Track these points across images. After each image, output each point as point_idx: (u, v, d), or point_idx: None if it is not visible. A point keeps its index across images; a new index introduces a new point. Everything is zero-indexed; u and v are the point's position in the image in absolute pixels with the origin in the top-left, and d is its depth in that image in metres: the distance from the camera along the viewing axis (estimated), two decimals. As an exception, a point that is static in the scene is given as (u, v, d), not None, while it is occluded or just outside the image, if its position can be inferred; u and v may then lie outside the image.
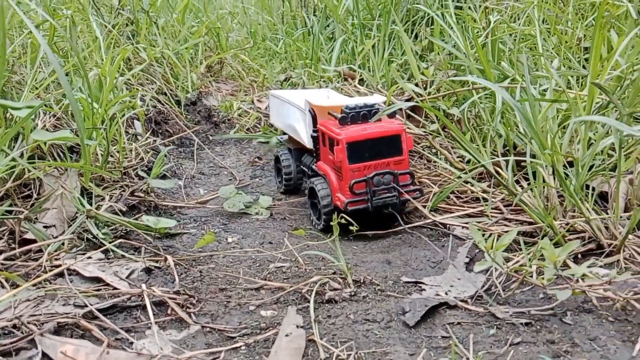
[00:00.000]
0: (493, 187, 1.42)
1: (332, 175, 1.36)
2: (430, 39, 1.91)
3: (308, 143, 1.47)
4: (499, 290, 1.08)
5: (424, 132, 1.70)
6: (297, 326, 0.95)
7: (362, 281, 1.13)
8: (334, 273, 1.16)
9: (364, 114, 1.33)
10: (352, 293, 1.08)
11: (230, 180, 1.81)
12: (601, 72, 1.21)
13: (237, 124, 2.25)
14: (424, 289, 1.12)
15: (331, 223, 1.18)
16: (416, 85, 1.79)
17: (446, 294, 1.09)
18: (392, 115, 1.36)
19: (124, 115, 1.70)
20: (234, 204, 1.49)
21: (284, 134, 1.68)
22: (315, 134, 1.42)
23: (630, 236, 1.18)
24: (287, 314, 1.00)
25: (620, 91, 1.37)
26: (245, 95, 2.61)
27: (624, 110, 1.09)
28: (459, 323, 0.98)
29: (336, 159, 1.31)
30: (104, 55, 1.88)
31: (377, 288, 1.12)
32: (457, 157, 1.59)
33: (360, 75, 2.19)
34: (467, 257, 1.21)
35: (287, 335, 0.92)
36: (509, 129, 1.47)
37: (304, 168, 1.56)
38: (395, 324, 1.00)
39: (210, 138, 2.17)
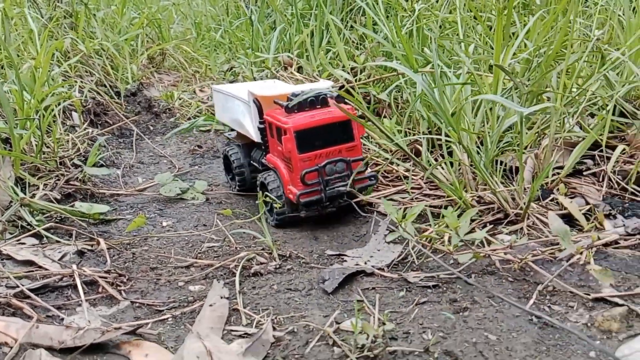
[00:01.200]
0: (414, 167, 1.51)
1: (282, 167, 1.30)
2: (359, 28, 1.98)
3: (255, 136, 1.40)
4: (413, 258, 1.16)
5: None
6: (222, 297, 1.02)
7: (288, 255, 1.20)
8: (263, 249, 1.23)
9: (311, 100, 1.28)
10: (277, 266, 1.15)
11: (169, 168, 1.85)
12: (505, 55, 1.30)
13: (178, 113, 2.28)
14: (346, 260, 1.19)
15: (283, 217, 1.22)
16: (351, 71, 1.87)
17: (365, 263, 1.17)
18: (340, 100, 1.30)
19: (59, 105, 1.72)
20: (170, 189, 1.54)
21: (232, 130, 1.63)
22: (262, 126, 1.36)
23: (534, 205, 1.29)
24: (212, 287, 1.06)
25: (529, 73, 1.48)
26: (188, 85, 2.64)
27: (524, 89, 1.18)
28: (373, 288, 1.06)
29: (285, 150, 1.25)
30: (39, 48, 1.89)
31: (302, 261, 1.19)
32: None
33: (298, 63, 2.25)
34: (387, 230, 1.30)
35: (211, 305, 0.99)
36: (430, 111, 1.56)
37: (254, 163, 1.50)
38: (315, 292, 1.07)
39: (151, 128, 2.20)
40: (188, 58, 2.96)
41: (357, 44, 2.27)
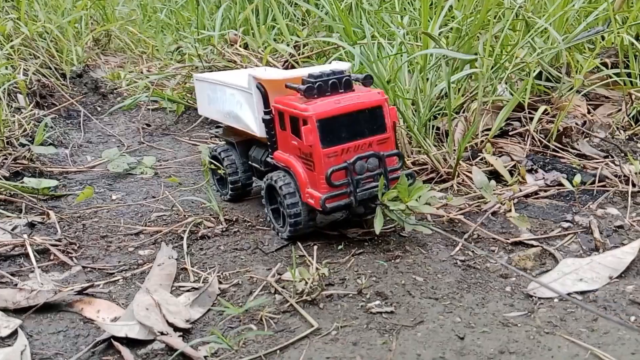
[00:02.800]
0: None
1: (299, 166, 1.08)
2: (301, 4, 2.04)
3: (259, 130, 1.17)
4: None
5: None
6: (170, 257, 1.07)
7: (235, 220, 1.27)
8: (210, 215, 1.29)
9: (334, 83, 1.06)
10: (224, 229, 1.21)
11: (118, 147, 1.87)
12: (433, 24, 1.38)
13: (125, 93, 2.30)
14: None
15: (299, 228, 1.07)
16: (294, 45, 1.93)
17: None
18: (367, 83, 1.10)
19: (3, 86, 1.72)
20: (118, 165, 1.57)
21: (219, 126, 1.41)
22: (268, 117, 1.13)
23: (464, 164, 1.39)
24: (160, 249, 1.11)
25: (460, 41, 1.57)
26: (134, 66, 2.64)
27: (450, 54, 1.27)
28: (314, 244, 1.14)
29: (305, 143, 1.02)
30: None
31: (248, 224, 1.25)
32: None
33: (244, 40, 2.29)
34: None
35: (159, 265, 1.04)
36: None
37: (253, 164, 1.27)
38: (260, 250, 1.14)
39: (99, 109, 2.21)
40: (134, 39, 2.96)
41: (301, 19, 2.33)
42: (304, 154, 1.06)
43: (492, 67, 1.51)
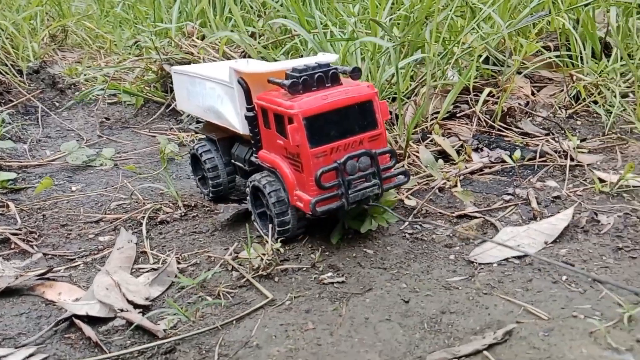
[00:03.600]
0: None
1: (285, 166, 1.02)
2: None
3: (241, 127, 1.11)
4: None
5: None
6: (129, 241, 1.10)
7: (194, 205, 1.30)
8: (169, 201, 1.32)
9: (320, 77, 0.99)
10: (183, 214, 1.25)
11: (77, 141, 1.88)
12: (380, 12, 1.44)
13: (83, 88, 2.30)
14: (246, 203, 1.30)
15: (288, 235, 1.03)
16: (251, 36, 1.96)
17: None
18: (355, 76, 1.03)
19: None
20: (77, 157, 1.59)
21: (199, 122, 1.36)
22: (251, 114, 1.07)
23: (415, 146, 1.45)
24: (120, 234, 1.14)
25: (408, 27, 1.63)
26: (92, 61, 2.64)
27: (396, 40, 1.32)
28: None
29: (291, 143, 0.96)
30: None
31: (206, 209, 1.29)
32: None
33: (200, 32, 2.31)
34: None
35: (119, 249, 1.08)
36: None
37: (237, 163, 1.21)
38: (218, 233, 1.18)
39: (57, 104, 2.20)
40: (92, 35, 2.94)
41: (257, 11, 2.36)
42: (291, 154, 1.00)
43: (440, 53, 1.58)
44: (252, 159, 1.13)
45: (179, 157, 1.34)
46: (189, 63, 1.99)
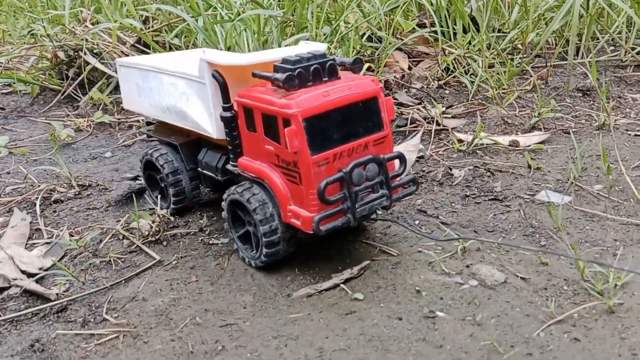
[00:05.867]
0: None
1: (276, 177, 0.86)
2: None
3: (215, 131, 0.94)
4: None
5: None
6: (23, 219, 1.15)
7: (88, 184, 1.35)
8: (64, 182, 1.36)
9: (316, 69, 0.85)
10: (77, 193, 1.30)
11: (-30, 131, 1.86)
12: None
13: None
14: (139, 179, 1.37)
15: (278, 256, 0.89)
16: (144, 20, 1.99)
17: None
18: (357, 68, 0.90)
19: None
20: (-31, 146, 1.58)
21: (150, 123, 1.19)
22: (228, 114, 0.91)
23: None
24: (13, 213, 1.19)
25: (291, 8, 1.74)
26: (-16, 51, 2.57)
27: (277, 20, 1.42)
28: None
29: (289, 149, 0.81)
30: None
31: (101, 187, 1.35)
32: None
33: (94, 19, 2.32)
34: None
35: (12, 227, 1.12)
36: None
37: (205, 172, 1.05)
38: (112, 208, 1.24)
39: (-54, 96, 2.15)
40: (-18, 24, 2.85)
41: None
42: (285, 162, 0.84)
43: (325, 34, 1.70)
44: (229, 167, 0.96)
45: (69, 138, 1.38)
46: (81, 50, 2.00)
